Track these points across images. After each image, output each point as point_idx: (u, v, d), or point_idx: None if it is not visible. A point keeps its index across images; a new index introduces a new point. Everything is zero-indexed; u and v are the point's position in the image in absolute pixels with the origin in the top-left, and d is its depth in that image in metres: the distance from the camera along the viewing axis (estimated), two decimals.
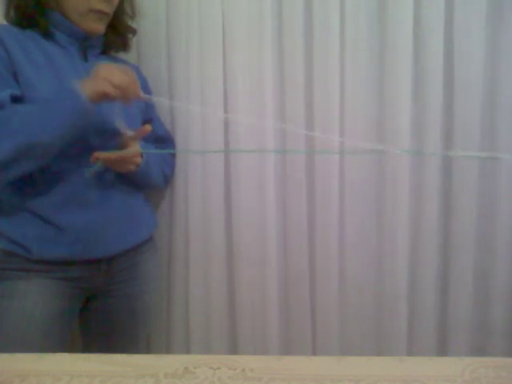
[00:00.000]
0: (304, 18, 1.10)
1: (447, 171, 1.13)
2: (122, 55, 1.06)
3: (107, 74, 0.79)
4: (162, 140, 1.12)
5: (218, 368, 0.63)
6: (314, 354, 1.21)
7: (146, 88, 1.08)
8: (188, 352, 1.22)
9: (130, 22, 1.04)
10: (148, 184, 1.05)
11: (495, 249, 1.13)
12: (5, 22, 0.91)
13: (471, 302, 1.16)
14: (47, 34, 0.89)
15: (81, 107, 0.78)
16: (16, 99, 0.81)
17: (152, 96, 1.02)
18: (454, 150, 1.10)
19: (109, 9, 0.92)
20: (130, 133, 0.91)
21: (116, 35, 1.01)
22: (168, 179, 1.16)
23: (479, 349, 1.17)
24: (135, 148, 0.92)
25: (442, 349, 1.20)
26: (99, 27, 0.93)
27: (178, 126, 1.15)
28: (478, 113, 1.09)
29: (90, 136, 0.88)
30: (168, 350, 1.24)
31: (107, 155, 0.87)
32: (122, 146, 0.91)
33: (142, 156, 0.95)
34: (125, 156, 0.90)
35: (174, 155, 1.16)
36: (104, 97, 0.79)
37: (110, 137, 0.91)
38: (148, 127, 0.93)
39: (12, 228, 0.87)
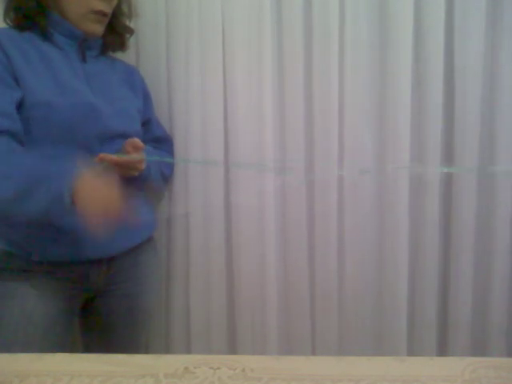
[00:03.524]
0: (304, 18, 1.10)
1: (448, 173, 1.14)
2: (120, 55, 1.06)
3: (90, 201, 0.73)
4: (161, 141, 1.12)
5: (218, 368, 0.63)
6: (314, 353, 1.21)
7: (144, 89, 1.08)
8: (188, 352, 1.22)
9: (127, 22, 1.04)
10: (148, 185, 1.05)
11: (495, 249, 1.13)
12: (4, 25, 0.90)
13: (471, 303, 1.16)
14: (46, 36, 0.89)
15: (62, 209, 0.73)
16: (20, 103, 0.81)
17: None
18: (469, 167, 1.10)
19: (108, 9, 0.92)
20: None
21: (114, 35, 1.01)
22: (167, 180, 1.16)
23: (479, 349, 1.17)
24: (139, 154, 0.92)
25: (442, 349, 1.20)
26: (98, 28, 0.93)
27: (176, 127, 1.15)
28: (478, 113, 1.09)
29: (89, 138, 0.88)
30: (168, 350, 1.24)
31: (113, 158, 0.87)
32: (123, 152, 0.91)
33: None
34: (129, 161, 0.90)
35: (173, 156, 1.16)
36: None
37: (109, 138, 0.91)
38: (140, 145, 0.91)
39: (12, 229, 0.87)
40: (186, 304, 1.21)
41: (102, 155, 0.86)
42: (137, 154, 0.91)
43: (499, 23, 1.06)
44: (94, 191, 0.73)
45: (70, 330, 0.94)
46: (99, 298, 0.98)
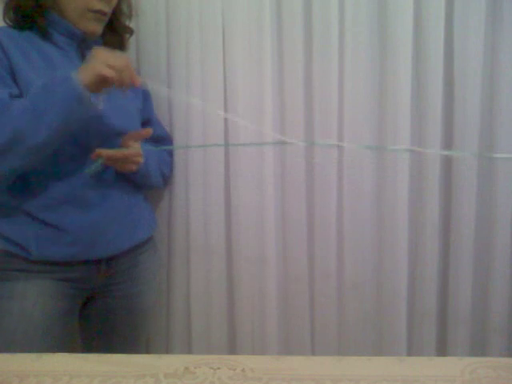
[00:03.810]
0: (304, 17, 1.10)
1: (447, 171, 1.14)
2: None
3: (104, 57, 0.77)
4: (161, 140, 1.12)
5: (218, 368, 0.63)
6: (313, 353, 1.21)
7: (143, 90, 1.08)
8: (188, 352, 1.22)
9: (127, 22, 1.04)
10: (147, 184, 1.06)
11: (495, 247, 1.13)
12: (3, 25, 0.91)
13: (471, 302, 1.16)
14: (45, 35, 0.89)
15: (75, 94, 0.76)
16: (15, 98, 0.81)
17: (147, 84, 0.99)
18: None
19: (107, 8, 0.92)
20: (130, 133, 0.91)
21: (114, 35, 1.01)
22: (167, 179, 1.16)
23: (479, 347, 1.17)
24: (136, 147, 0.92)
25: (442, 348, 1.20)
26: (97, 28, 0.93)
27: (176, 127, 1.15)
28: (478, 112, 1.09)
29: (88, 137, 0.88)
30: (168, 350, 1.24)
31: (109, 153, 0.87)
32: (122, 146, 0.91)
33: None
34: (127, 155, 0.90)
35: (172, 155, 1.16)
36: (102, 81, 0.77)
37: (109, 137, 0.91)
38: (149, 130, 0.94)
39: (11, 229, 0.87)
40: (187, 304, 1.21)
41: (98, 151, 0.86)
42: (135, 144, 0.92)
43: (499, 23, 1.06)
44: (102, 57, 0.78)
45: (69, 330, 0.94)
46: (99, 298, 0.98)
